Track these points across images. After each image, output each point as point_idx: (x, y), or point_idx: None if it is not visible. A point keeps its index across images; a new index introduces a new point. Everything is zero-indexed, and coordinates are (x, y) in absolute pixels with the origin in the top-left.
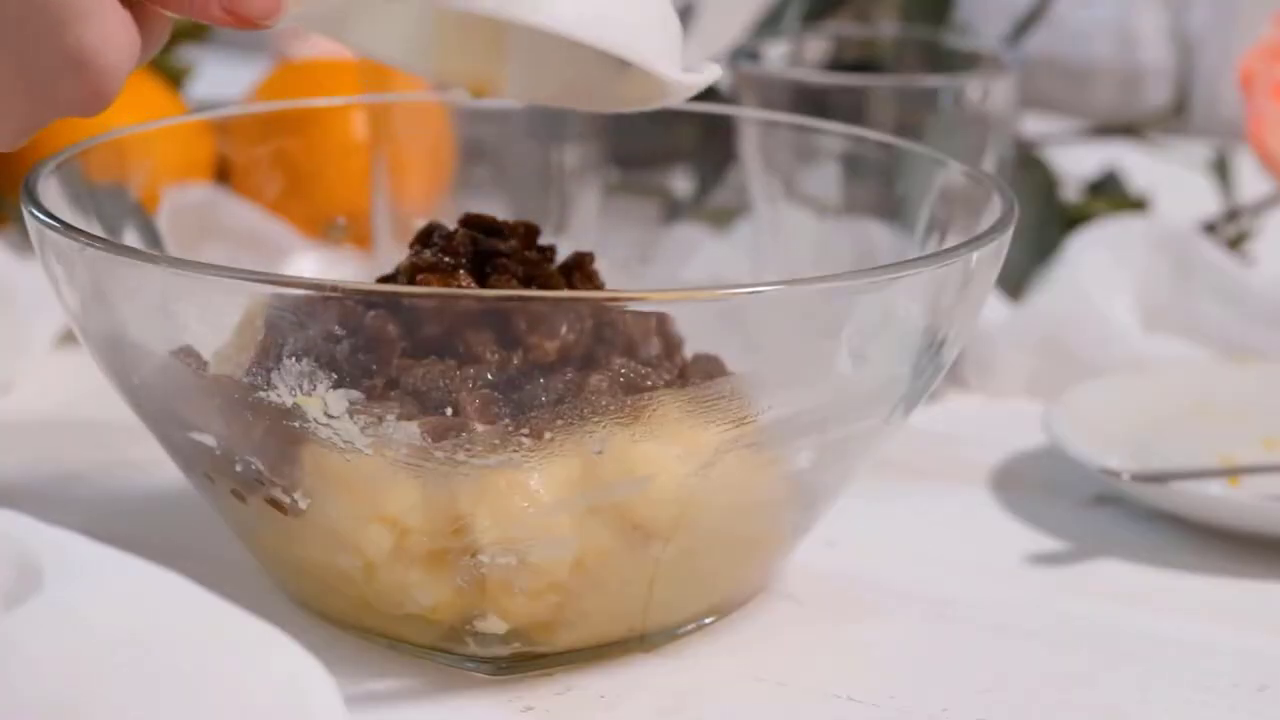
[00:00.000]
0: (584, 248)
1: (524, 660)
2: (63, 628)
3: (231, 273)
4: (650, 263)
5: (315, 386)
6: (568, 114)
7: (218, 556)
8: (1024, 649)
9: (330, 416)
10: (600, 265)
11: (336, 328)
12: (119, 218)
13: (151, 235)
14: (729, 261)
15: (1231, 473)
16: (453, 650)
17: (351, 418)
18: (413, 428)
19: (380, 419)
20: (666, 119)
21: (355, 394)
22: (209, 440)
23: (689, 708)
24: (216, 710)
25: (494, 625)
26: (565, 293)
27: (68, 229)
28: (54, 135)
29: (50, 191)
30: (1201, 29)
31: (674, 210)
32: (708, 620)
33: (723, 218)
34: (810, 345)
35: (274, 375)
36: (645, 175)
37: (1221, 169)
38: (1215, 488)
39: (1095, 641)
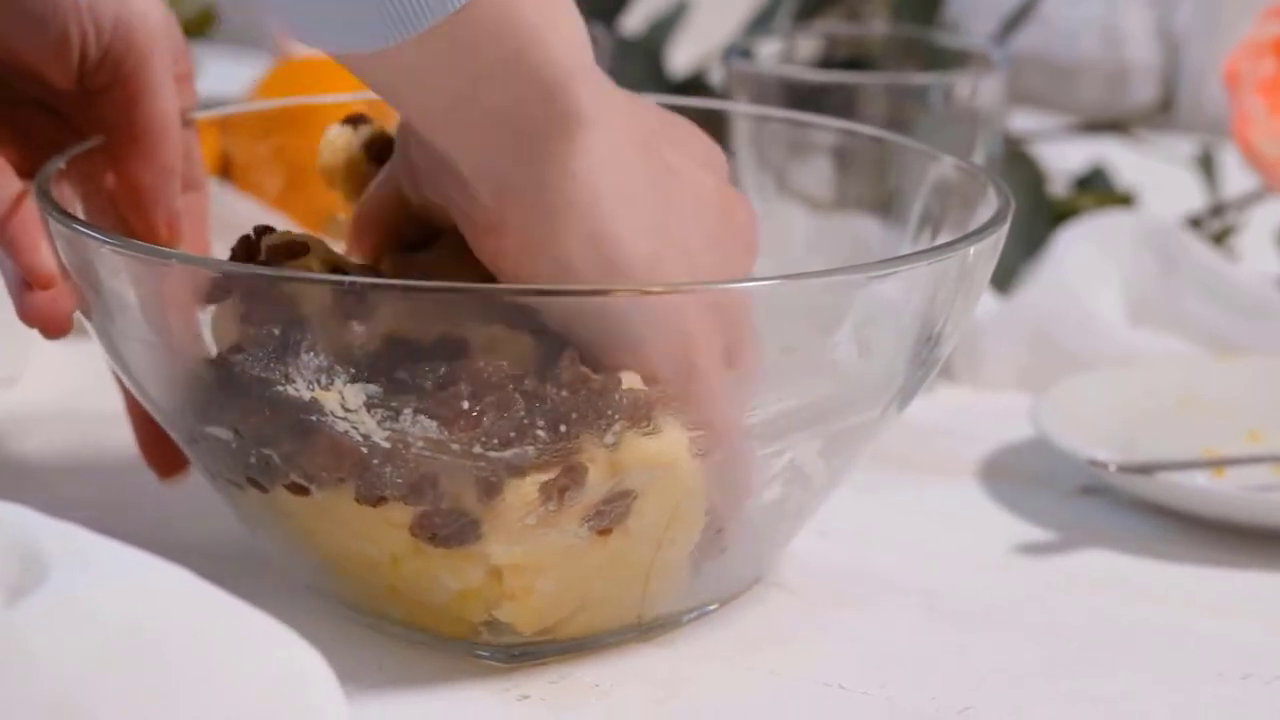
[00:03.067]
0: None
1: (535, 647)
2: (66, 620)
3: (246, 270)
4: None
5: (333, 380)
6: None
7: (220, 550)
8: (1011, 639)
9: (348, 410)
10: None
11: (355, 323)
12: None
13: None
14: None
15: (1216, 464)
16: (468, 638)
17: (369, 411)
18: (429, 421)
19: (398, 412)
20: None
21: (373, 388)
22: (225, 434)
23: (682, 697)
24: (218, 702)
25: (510, 614)
26: (583, 287)
27: (86, 229)
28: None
29: (62, 192)
30: (1186, 27)
31: None
32: (709, 609)
33: None
34: (807, 340)
35: (291, 369)
36: None
37: (1207, 165)
38: (1200, 479)
39: (1082, 631)
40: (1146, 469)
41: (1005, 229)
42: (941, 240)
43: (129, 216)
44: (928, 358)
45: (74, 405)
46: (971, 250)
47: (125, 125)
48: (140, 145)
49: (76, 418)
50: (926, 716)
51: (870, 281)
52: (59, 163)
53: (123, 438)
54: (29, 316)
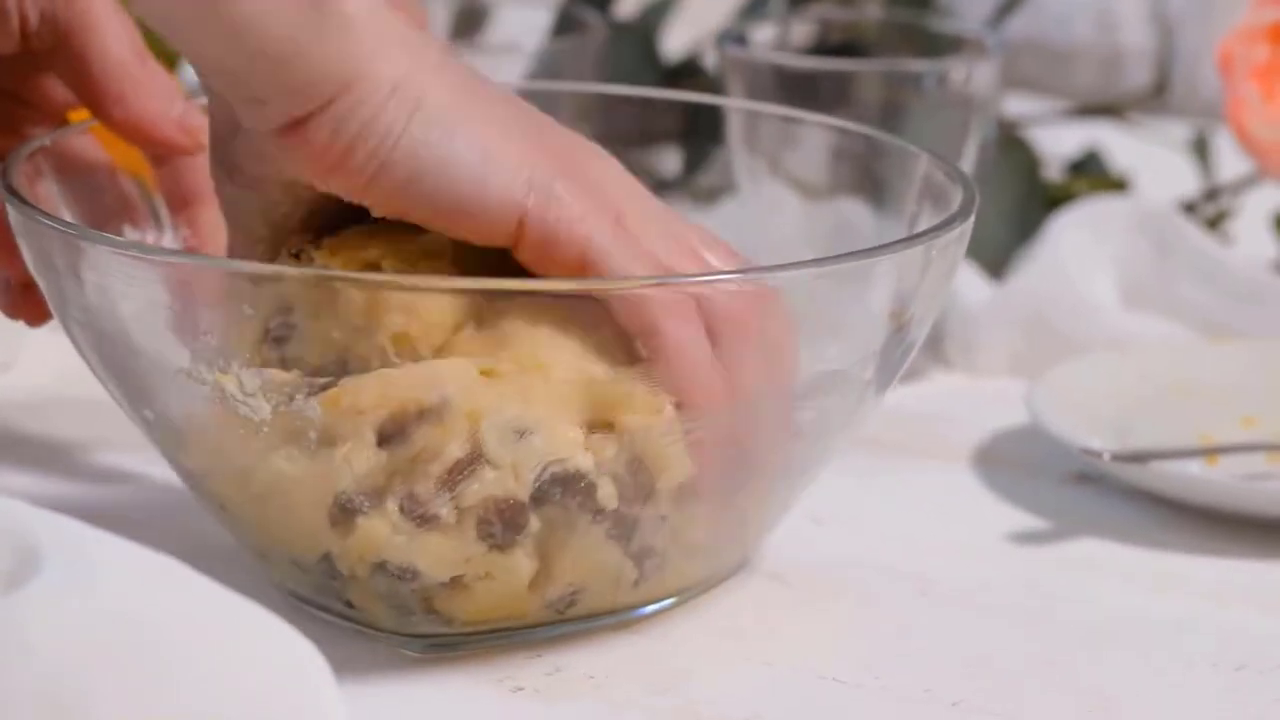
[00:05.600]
0: None
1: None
2: (62, 612)
3: (127, 246)
4: None
5: (229, 364)
6: (557, 97)
7: (211, 538)
8: (1005, 628)
9: (246, 394)
10: None
11: (245, 307)
12: (117, 199)
13: (153, 213)
14: None
15: (1210, 452)
16: (395, 630)
17: (264, 395)
18: (316, 405)
19: (290, 397)
20: (654, 101)
21: (267, 372)
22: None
23: (677, 689)
24: (214, 693)
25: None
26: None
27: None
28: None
29: (32, 172)
30: (1181, 11)
31: (661, 189)
32: (690, 597)
33: (709, 196)
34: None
35: (193, 353)
36: (632, 155)
37: (1201, 149)
38: (1194, 467)
39: (1076, 621)
40: (1140, 457)
41: (970, 223)
42: (928, 223)
43: (152, 158)
44: (900, 342)
45: (69, 391)
46: (935, 244)
47: (85, 76)
48: (108, 89)
49: (71, 402)
50: (921, 708)
51: (828, 275)
52: (42, 142)
53: (118, 421)
54: (9, 307)
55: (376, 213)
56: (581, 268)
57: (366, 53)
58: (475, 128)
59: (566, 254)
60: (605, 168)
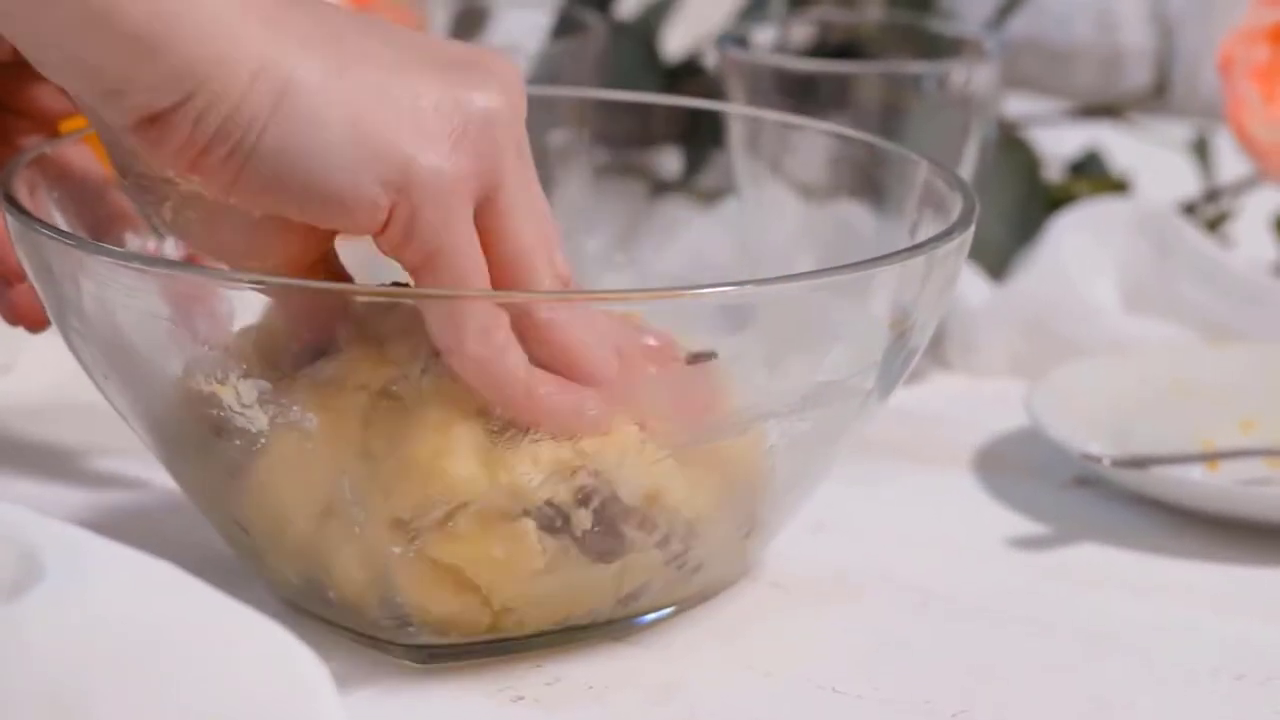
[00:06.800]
0: (573, 224)
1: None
2: (64, 617)
3: (127, 257)
4: (636, 239)
5: (227, 375)
6: (557, 101)
7: (212, 545)
8: (1005, 636)
9: (244, 405)
10: (589, 242)
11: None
12: (113, 209)
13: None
14: (715, 238)
15: (1210, 458)
16: (393, 641)
17: (262, 407)
18: (314, 418)
19: (287, 409)
20: (654, 104)
21: (264, 384)
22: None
23: (677, 699)
24: (214, 698)
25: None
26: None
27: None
28: None
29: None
30: (1181, 10)
31: (661, 190)
32: (689, 607)
33: (709, 197)
34: (776, 340)
35: (192, 362)
36: (633, 157)
37: (1201, 150)
38: (1194, 472)
39: (1076, 628)
40: (1140, 463)
41: (970, 232)
42: (928, 230)
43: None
44: (901, 351)
45: (68, 393)
46: (935, 254)
47: None
48: None
49: (71, 406)
50: (922, 719)
51: (829, 286)
52: (38, 151)
53: (117, 426)
54: (9, 313)
55: (246, 208)
56: (428, 263)
57: (226, 35)
58: (346, 110)
59: (416, 252)
60: (495, 118)
